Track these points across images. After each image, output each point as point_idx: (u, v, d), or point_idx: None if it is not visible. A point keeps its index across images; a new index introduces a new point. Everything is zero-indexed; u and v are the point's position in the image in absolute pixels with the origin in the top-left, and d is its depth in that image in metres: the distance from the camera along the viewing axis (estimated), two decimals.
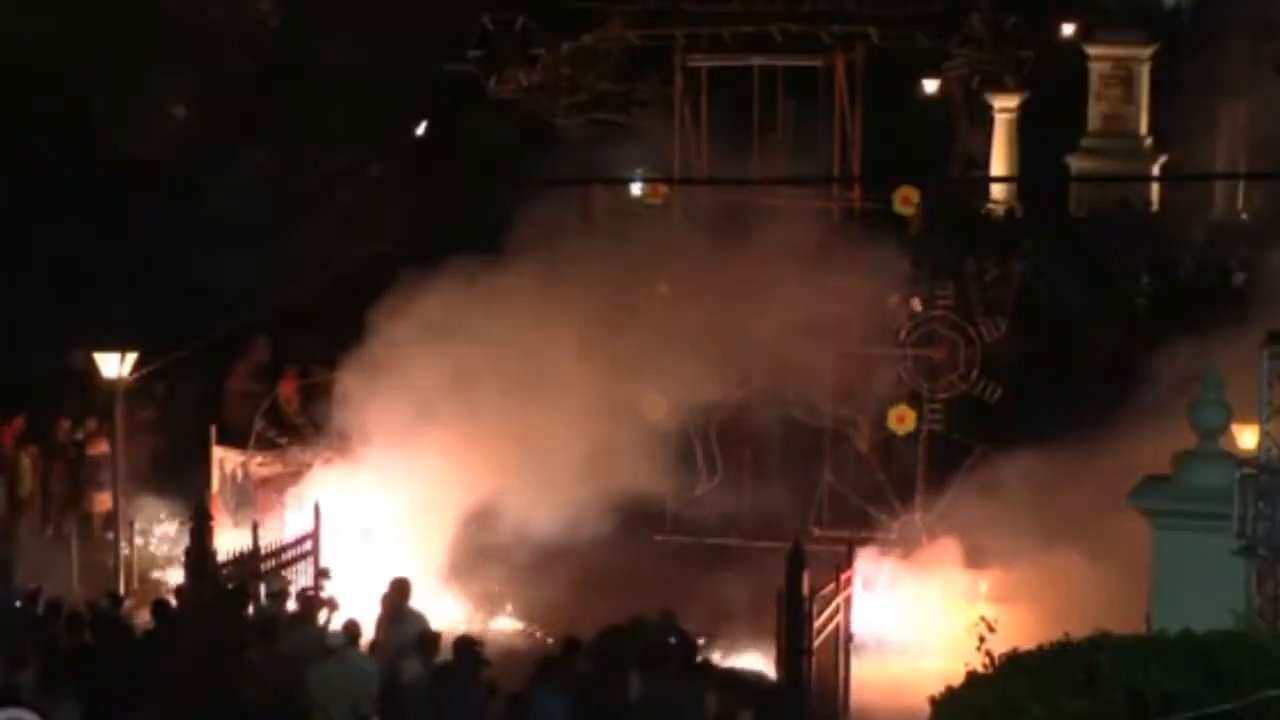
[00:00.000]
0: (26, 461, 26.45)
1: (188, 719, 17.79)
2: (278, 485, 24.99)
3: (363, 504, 23.20)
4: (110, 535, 25.22)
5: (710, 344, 23.71)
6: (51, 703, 16.58)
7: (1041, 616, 18.34)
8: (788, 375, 24.33)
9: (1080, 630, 10.39)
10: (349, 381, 23.91)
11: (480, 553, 23.65)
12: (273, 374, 28.38)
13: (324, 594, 20.00)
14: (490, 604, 23.53)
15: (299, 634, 18.82)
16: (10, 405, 26.69)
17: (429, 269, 24.02)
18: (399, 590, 19.55)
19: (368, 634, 19.09)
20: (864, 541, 23.08)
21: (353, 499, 23.18)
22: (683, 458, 24.97)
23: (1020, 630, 13.14)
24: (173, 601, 20.19)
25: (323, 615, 19.34)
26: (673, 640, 18.61)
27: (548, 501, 22.70)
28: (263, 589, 20.30)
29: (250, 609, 20.08)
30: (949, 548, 23.16)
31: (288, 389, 27.43)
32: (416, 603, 19.77)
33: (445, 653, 18.13)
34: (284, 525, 23.47)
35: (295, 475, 24.80)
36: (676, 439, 24.56)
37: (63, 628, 19.08)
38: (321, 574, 20.93)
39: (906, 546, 23.66)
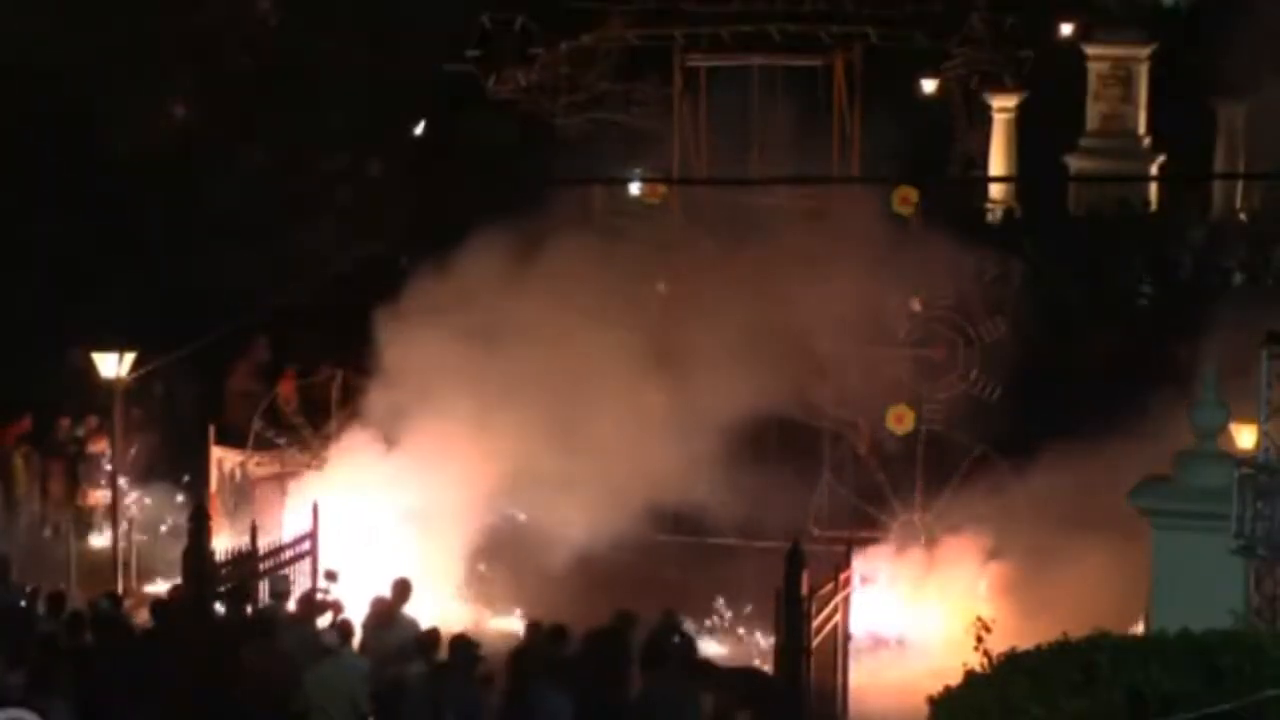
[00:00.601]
0: (19, 461, 26.45)
1: (184, 718, 17.79)
2: (276, 485, 24.98)
3: (364, 503, 23.20)
4: (108, 533, 25.22)
5: (757, 347, 23.72)
6: (43, 702, 16.62)
7: (1040, 616, 18.37)
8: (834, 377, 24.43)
9: (1079, 630, 10.40)
10: (374, 379, 23.96)
11: (482, 551, 23.67)
12: (272, 374, 28.38)
13: (329, 597, 19.96)
14: (490, 602, 23.53)
15: (297, 635, 18.79)
16: (12, 405, 26.70)
17: (450, 266, 24.08)
18: (399, 591, 19.52)
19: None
20: (863, 541, 23.07)
21: (353, 498, 23.18)
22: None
23: (1019, 630, 13.16)
24: (169, 601, 20.17)
25: (325, 618, 19.29)
26: (677, 640, 18.61)
27: (555, 501, 22.73)
28: (264, 588, 20.28)
29: (249, 609, 20.06)
30: (948, 547, 23.16)
31: (287, 389, 27.43)
32: (418, 601, 19.76)
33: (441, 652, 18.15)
34: (281, 525, 23.43)
35: (294, 475, 24.80)
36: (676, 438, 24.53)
37: (64, 628, 19.07)
38: (329, 576, 20.90)
39: (905, 546, 23.65)
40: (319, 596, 20.09)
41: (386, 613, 19.29)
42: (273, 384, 27.67)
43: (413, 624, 19.07)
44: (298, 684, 17.74)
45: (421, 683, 17.71)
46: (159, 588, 23.62)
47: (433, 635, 18.42)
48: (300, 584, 20.79)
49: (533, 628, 19.17)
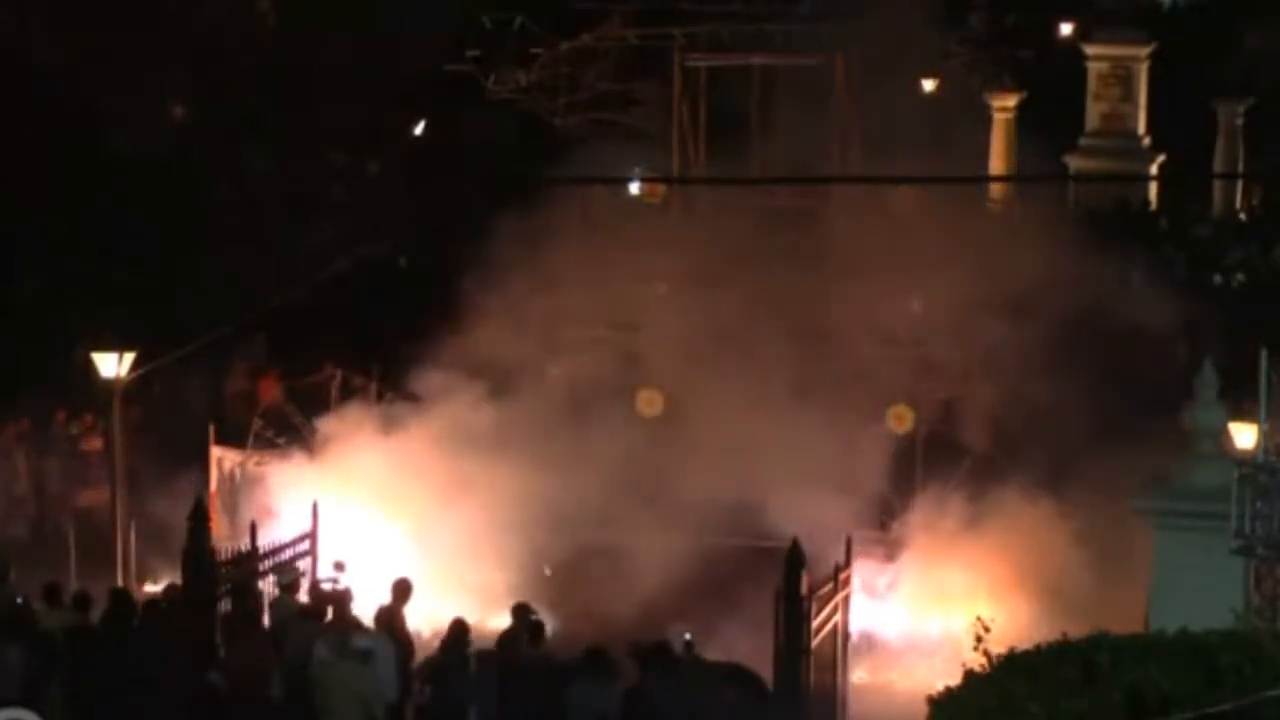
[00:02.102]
0: (20, 460, 26.45)
1: (177, 715, 17.79)
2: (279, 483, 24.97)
3: (364, 499, 23.23)
4: (108, 533, 25.20)
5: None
6: (37, 689, 16.73)
7: (1040, 616, 18.38)
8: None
9: (1079, 630, 10.40)
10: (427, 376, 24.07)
11: (482, 551, 23.68)
12: (271, 374, 28.41)
13: (338, 586, 19.96)
14: (491, 601, 23.52)
15: (306, 628, 18.74)
16: (12, 404, 26.71)
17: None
18: (400, 592, 19.49)
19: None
20: (864, 541, 23.03)
21: (354, 495, 23.20)
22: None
23: (1018, 630, 13.17)
24: (162, 600, 20.15)
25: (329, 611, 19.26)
26: (685, 639, 18.68)
27: (562, 501, 22.80)
28: (266, 585, 20.27)
29: (250, 607, 20.03)
30: (947, 547, 23.15)
31: (267, 389, 27.45)
32: (420, 599, 19.76)
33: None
34: (279, 524, 23.40)
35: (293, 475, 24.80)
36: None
37: (69, 613, 19.05)
38: (337, 566, 20.89)
39: (905, 546, 23.63)
40: (327, 586, 20.09)
41: (380, 621, 19.16)
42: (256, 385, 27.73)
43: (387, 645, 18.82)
44: (298, 679, 17.74)
45: (457, 681, 17.73)
46: (159, 588, 23.61)
47: (457, 626, 18.36)
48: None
49: (519, 610, 19.07)
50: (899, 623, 22.51)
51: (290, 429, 26.00)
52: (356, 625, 18.53)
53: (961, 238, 24.54)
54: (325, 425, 24.99)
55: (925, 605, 22.66)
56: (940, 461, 24.56)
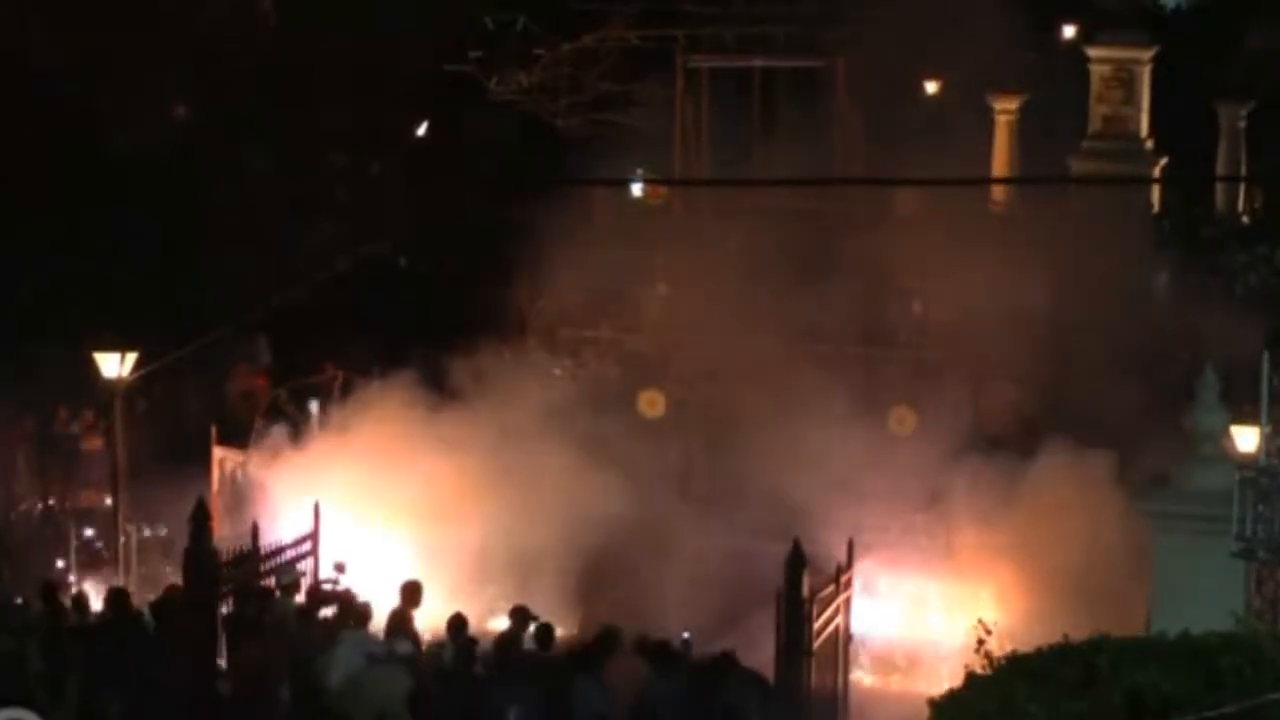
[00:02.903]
0: (21, 459, 26.45)
1: (179, 714, 17.79)
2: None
3: (364, 500, 23.22)
4: (110, 533, 25.21)
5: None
6: (54, 681, 16.73)
7: (1041, 618, 18.35)
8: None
9: (1080, 632, 10.39)
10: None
11: (485, 550, 23.68)
12: (272, 374, 28.40)
13: (339, 587, 19.96)
14: (491, 602, 23.52)
15: (306, 628, 18.73)
16: (13, 403, 26.72)
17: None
18: (409, 594, 19.45)
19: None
20: (864, 542, 22.99)
21: (355, 496, 23.19)
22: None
23: (1019, 632, 13.15)
24: (164, 599, 20.15)
25: (328, 610, 19.25)
26: (686, 636, 18.65)
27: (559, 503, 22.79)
28: (274, 581, 20.30)
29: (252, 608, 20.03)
30: (948, 549, 23.12)
31: (261, 390, 27.44)
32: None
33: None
34: (280, 525, 23.39)
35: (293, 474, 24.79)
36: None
37: (66, 610, 19.06)
38: (337, 568, 20.89)
39: (906, 548, 23.59)
40: (328, 587, 20.09)
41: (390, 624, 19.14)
42: (272, 384, 27.68)
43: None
44: (301, 680, 17.73)
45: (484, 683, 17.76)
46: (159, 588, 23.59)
47: (460, 623, 18.35)
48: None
49: (517, 612, 19.04)
50: (900, 624, 22.47)
51: (292, 429, 26.00)
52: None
53: (962, 239, 24.54)
54: (327, 423, 25.01)
55: (926, 606, 22.62)
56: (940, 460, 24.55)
